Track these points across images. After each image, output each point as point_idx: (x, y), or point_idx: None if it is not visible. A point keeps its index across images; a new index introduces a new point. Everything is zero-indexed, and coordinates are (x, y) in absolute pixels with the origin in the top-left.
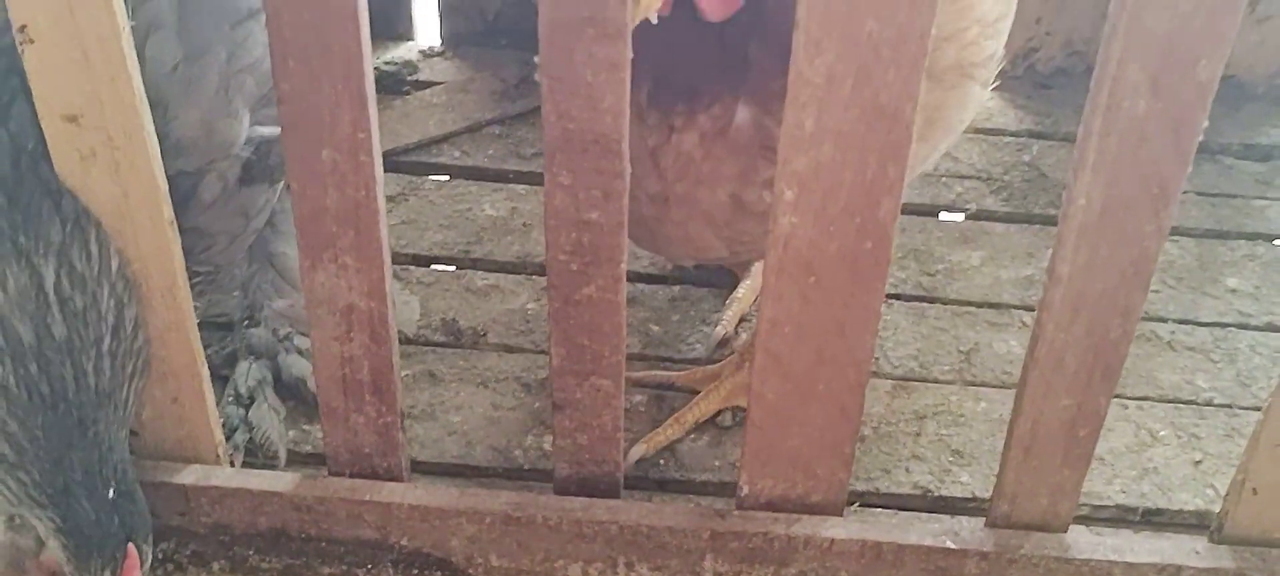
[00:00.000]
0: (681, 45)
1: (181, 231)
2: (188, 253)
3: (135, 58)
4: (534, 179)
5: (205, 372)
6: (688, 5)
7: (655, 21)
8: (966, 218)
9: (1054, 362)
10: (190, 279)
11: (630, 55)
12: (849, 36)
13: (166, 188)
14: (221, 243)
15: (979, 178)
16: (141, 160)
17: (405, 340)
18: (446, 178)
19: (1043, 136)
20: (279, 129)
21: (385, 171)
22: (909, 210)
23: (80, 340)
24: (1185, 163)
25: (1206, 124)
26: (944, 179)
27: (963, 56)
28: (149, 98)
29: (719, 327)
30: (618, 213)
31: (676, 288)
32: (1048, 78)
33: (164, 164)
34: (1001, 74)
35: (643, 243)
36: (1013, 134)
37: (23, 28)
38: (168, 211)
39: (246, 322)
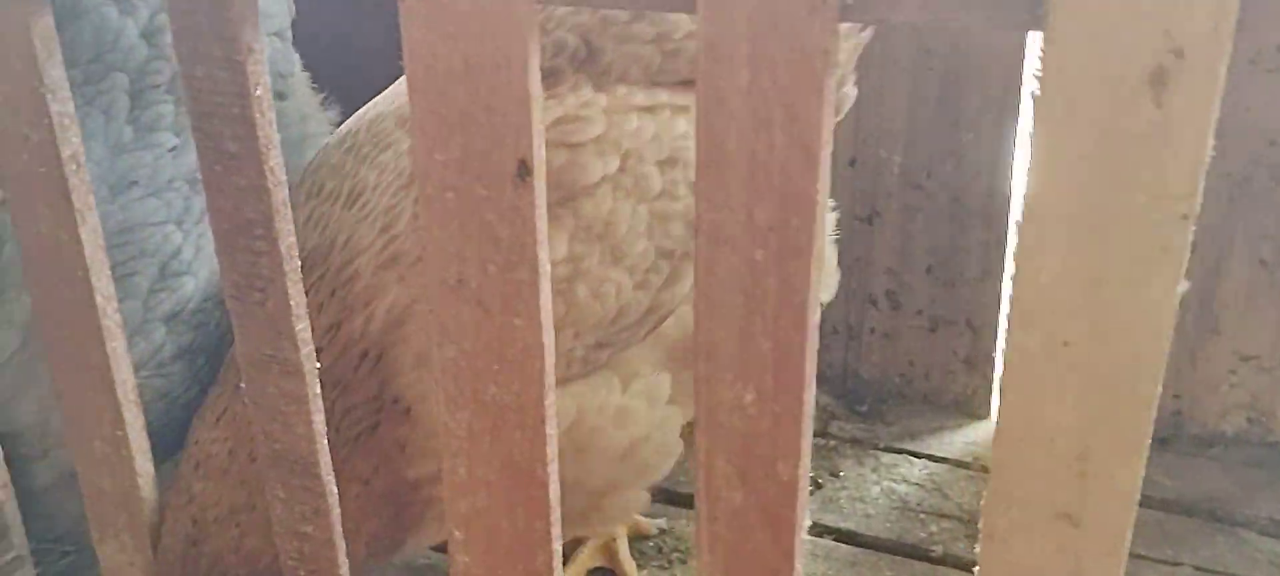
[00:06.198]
0: None
1: (24, 514)
2: (38, 536)
3: None
4: None
5: None
6: None
7: None
8: (935, 560)
9: None
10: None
11: (316, 390)
12: (478, 398)
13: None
14: (62, 523)
15: (960, 519)
16: None
17: None
18: None
19: None
20: None
21: None
22: (862, 543)
23: None
24: (789, 558)
25: (809, 522)
26: (923, 515)
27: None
28: None
29: None
30: (327, 528)
31: None
32: None
33: (9, 449)
34: None
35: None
36: None
37: None
38: (2, 476)
39: None
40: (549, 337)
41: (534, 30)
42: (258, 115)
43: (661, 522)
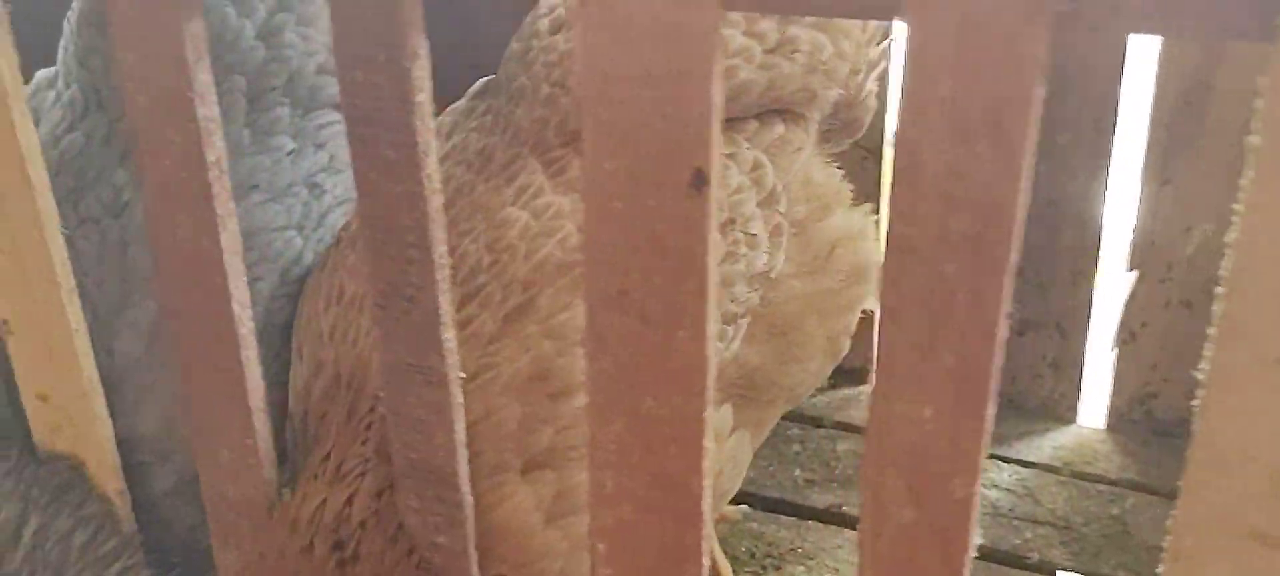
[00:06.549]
0: None
1: (140, 519)
2: (152, 543)
3: (89, 351)
4: None
5: None
6: None
7: None
8: (1031, 568)
9: None
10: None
11: (459, 400)
12: (632, 410)
13: (118, 461)
14: (177, 530)
15: (1054, 525)
16: (94, 435)
17: None
18: None
19: (1143, 489)
20: None
21: None
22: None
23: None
24: None
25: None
26: (1016, 521)
27: None
28: (115, 387)
29: None
30: (461, 539)
31: None
32: (1169, 426)
33: (131, 454)
34: (1117, 415)
35: None
36: (1110, 482)
37: (4, 321)
38: (119, 483)
39: None
40: (712, 350)
41: (719, 37)
42: (418, 121)
43: (745, 508)
